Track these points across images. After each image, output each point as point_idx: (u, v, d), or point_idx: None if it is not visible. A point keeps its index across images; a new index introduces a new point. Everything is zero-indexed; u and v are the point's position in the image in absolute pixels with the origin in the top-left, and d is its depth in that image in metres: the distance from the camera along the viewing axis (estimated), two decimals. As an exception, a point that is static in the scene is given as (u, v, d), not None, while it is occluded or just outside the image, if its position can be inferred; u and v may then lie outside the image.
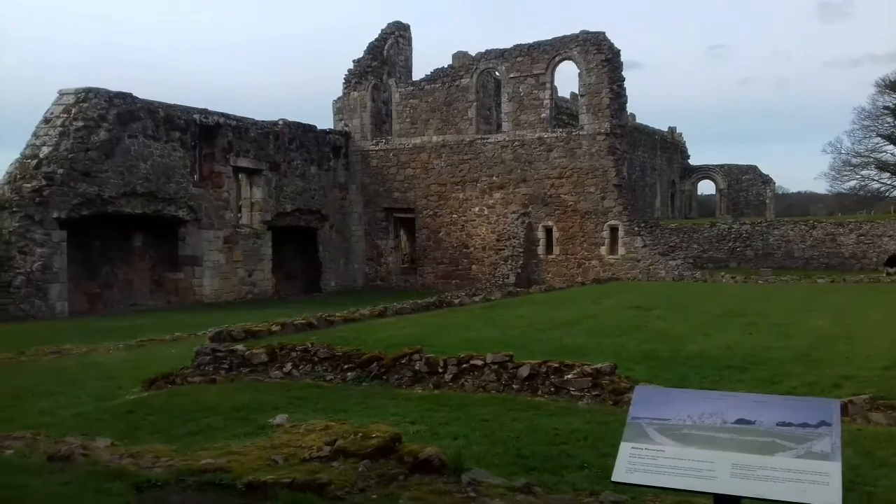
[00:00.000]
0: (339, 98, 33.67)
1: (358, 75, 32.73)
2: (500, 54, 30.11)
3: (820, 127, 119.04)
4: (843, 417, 6.54)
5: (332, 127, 33.56)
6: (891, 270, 29.02)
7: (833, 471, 3.25)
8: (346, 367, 8.77)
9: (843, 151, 59.87)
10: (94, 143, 21.99)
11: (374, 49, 33.00)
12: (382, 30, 33.58)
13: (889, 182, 59.92)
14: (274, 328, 12.57)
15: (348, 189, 32.75)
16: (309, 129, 30.68)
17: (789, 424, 3.53)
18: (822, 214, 48.01)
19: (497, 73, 30.97)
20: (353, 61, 33.02)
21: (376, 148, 32.63)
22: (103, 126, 22.26)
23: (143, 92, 24.15)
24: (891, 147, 58.68)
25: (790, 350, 10.17)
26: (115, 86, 25.62)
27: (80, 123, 21.72)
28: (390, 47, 33.33)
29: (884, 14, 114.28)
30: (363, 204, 32.94)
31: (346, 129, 32.97)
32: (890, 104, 56.94)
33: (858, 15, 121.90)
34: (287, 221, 29.34)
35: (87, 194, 21.75)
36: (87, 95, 22.16)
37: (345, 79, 33.09)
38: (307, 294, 29.62)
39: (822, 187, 68.14)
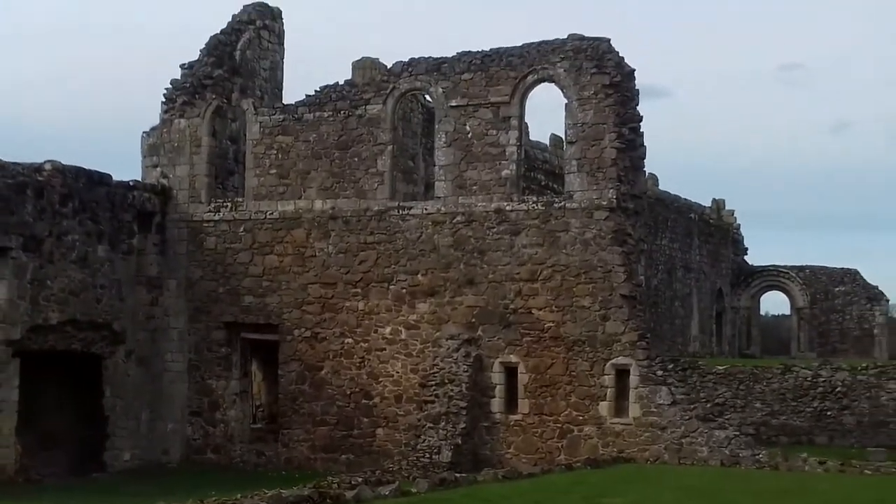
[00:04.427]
0: (153, 129, 33.44)
1: (189, 91, 32.63)
2: (436, 67, 30.16)
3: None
4: None
5: (140, 178, 33.20)
6: None
7: None
8: None
9: None
10: None
11: (219, 48, 33.17)
12: (234, 16, 33.96)
13: None
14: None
15: (163, 288, 32.31)
16: (98, 180, 30.33)
17: None
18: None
19: (429, 97, 31.01)
20: (182, 67, 33.06)
21: (216, 217, 32.23)
22: None
23: None
24: None
25: None
26: None
27: None
28: (247, 46, 33.67)
29: None
30: (188, 315, 32.37)
31: (164, 182, 32.66)
32: None
33: None
34: (50, 342, 28.72)
35: None
36: None
37: (165, 97, 33.00)
38: (79, 475, 28.87)
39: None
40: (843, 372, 35.65)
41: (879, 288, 52.01)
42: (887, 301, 51.92)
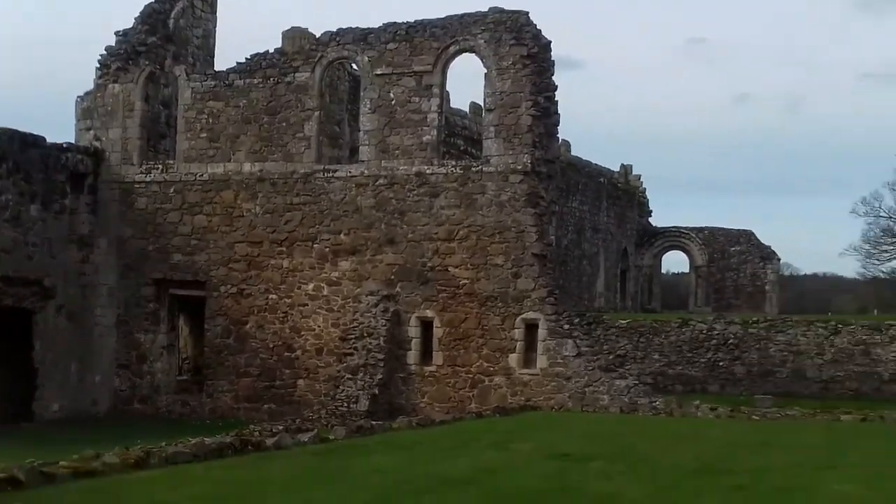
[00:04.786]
0: (87, 93, 33.38)
1: (123, 58, 32.44)
2: (362, 37, 30.50)
3: (853, 173, 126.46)
4: None
5: (74, 141, 33.14)
6: (951, 403, 30.68)
7: None
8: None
9: (883, 213, 63.78)
10: None
11: (154, 16, 33.00)
12: None
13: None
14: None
15: (94, 246, 32.25)
16: (31, 142, 30.20)
17: None
18: (850, 311, 50.30)
19: (355, 66, 31.23)
20: (117, 34, 32.77)
21: (147, 179, 32.34)
22: None
23: None
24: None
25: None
26: None
27: None
28: (181, 15, 33.48)
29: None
30: (118, 272, 32.44)
31: (97, 144, 32.57)
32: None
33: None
34: (-20, 297, 28.70)
35: None
36: None
37: (100, 62, 32.72)
38: (10, 425, 28.60)
39: (850, 269, 72.12)
40: (736, 325, 37.07)
41: (772, 248, 52.83)
42: (779, 260, 52.79)
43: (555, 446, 17.87)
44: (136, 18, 32.94)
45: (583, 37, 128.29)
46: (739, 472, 14.98)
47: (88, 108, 33.39)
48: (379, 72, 30.17)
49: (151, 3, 33.22)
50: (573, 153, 47.35)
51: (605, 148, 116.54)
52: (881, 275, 66.21)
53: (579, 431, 21.21)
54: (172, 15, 33.30)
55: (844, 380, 35.47)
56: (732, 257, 52.51)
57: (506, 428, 22.02)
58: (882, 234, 63.94)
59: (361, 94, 30.85)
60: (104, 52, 32.77)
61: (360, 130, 30.93)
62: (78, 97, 33.86)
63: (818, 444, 19.67)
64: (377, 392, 28.40)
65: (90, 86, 33.28)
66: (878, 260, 64.97)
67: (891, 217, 63.77)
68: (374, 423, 22.97)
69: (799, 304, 57.66)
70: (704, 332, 37.16)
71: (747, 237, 53.47)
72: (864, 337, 35.95)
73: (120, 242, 32.41)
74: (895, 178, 63.07)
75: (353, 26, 30.83)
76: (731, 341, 36.79)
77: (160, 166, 32.46)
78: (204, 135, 31.90)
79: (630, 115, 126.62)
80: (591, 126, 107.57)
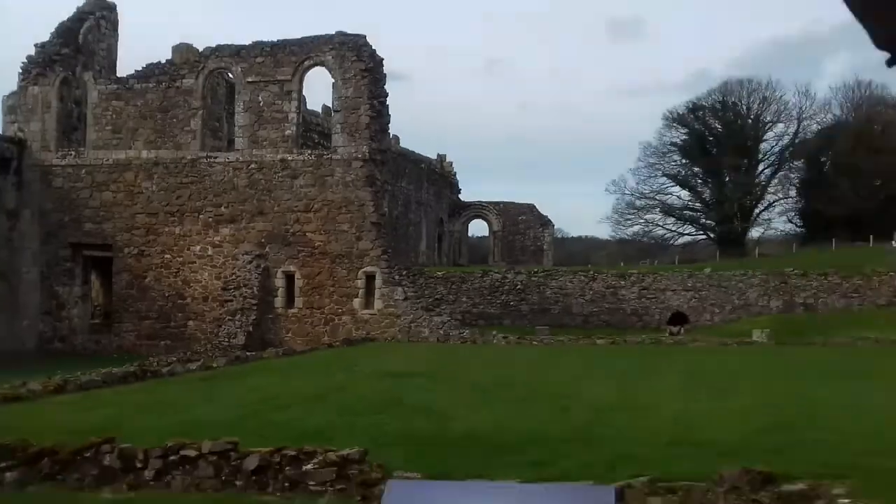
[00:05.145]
0: (12, 94, 32.10)
1: (41, 65, 31.39)
2: (236, 52, 30.16)
3: (607, 162, 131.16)
4: (620, 505, 7.17)
5: (1, 132, 31.89)
6: (674, 330, 32.49)
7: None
8: (3, 465, 8.10)
9: (626, 192, 66.40)
10: None
11: (67, 32, 31.89)
12: (79, 7, 32.63)
13: (674, 228, 67.19)
14: None
15: (19, 217, 31.08)
16: None
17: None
18: (603, 264, 52.40)
19: (231, 75, 30.89)
20: (36, 46, 31.68)
21: (63, 163, 31.31)
22: None
23: None
24: (676, 189, 65.96)
25: (566, 425, 10.95)
26: None
27: None
28: (89, 31, 32.36)
29: (676, 38, 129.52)
30: (40, 238, 31.35)
31: (21, 135, 31.37)
32: (677, 140, 64.17)
33: (652, 36, 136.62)
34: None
35: None
36: None
37: (22, 69, 31.60)
38: None
39: (605, 232, 74.87)
40: (522, 275, 38.16)
41: (549, 217, 53.92)
42: (553, 226, 54.41)
43: (388, 368, 18.18)
44: (52, 33, 31.88)
45: (411, 55, 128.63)
46: (523, 383, 15.61)
47: (13, 105, 32.05)
48: (250, 79, 29.82)
49: (65, 21, 32.05)
50: (402, 145, 47.36)
51: (426, 141, 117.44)
52: (626, 237, 69.01)
53: (406, 356, 21.62)
54: (82, 31, 32.12)
55: (599, 314, 37.03)
56: (520, 224, 53.48)
57: (351, 355, 22.32)
58: (626, 206, 66.66)
59: (236, 97, 30.47)
60: (25, 61, 31.61)
61: (235, 126, 30.54)
62: (4, 96, 32.49)
63: (580, 362, 20.58)
64: (251, 330, 28.22)
65: (14, 87, 32.08)
66: (623, 226, 67.81)
67: (632, 195, 66.44)
68: (248, 353, 22.99)
69: (568, 259, 59.43)
70: (499, 280, 37.89)
71: (531, 209, 54.29)
72: (613, 282, 37.56)
73: (41, 214, 31.35)
74: (635, 167, 66.06)
75: (229, 43, 30.40)
76: (518, 287, 37.67)
77: (73, 153, 31.46)
78: (109, 128, 31.03)
79: (445, 114, 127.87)
80: (416, 124, 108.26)
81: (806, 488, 7.20)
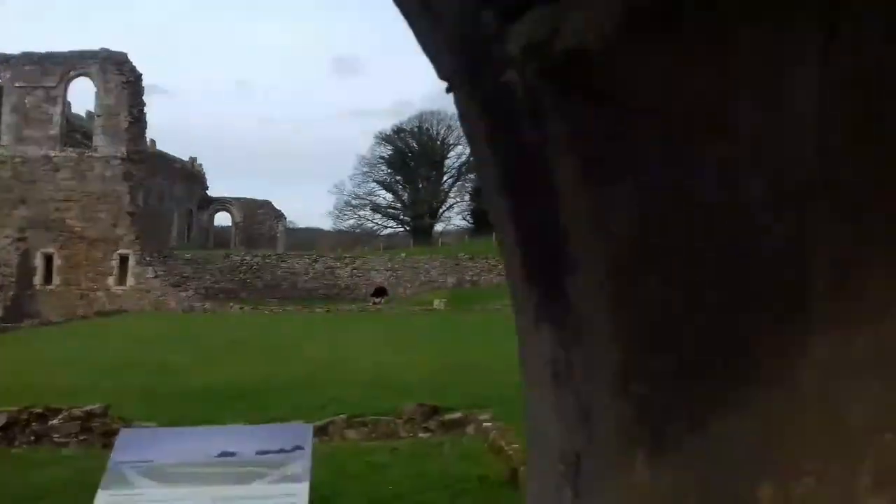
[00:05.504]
0: None
1: None
2: (6, 60, 26.83)
3: (331, 169, 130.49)
4: (324, 437, 7.05)
5: None
6: (376, 300, 33.20)
7: (301, 491, 3.42)
8: None
9: (345, 193, 67.01)
10: None
11: None
12: None
13: (380, 223, 69.17)
14: None
15: None
16: None
17: (268, 452, 3.66)
18: (325, 249, 52.44)
19: (0, 80, 27.22)
20: None
21: None
22: None
23: None
24: (383, 192, 68.21)
25: (288, 377, 10.67)
26: None
27: None
28: None
29: (386, 73, 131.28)
30: None
31: None
32: (385, 154, 66.01)
33: (368, 72, 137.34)
34: None
35: None
36: None
37: None
38: None
39: (327, 224, 74.35)
40: (258, 257, 37.12)
41: (282, 211, 53.70)
42: (286, 219, 54.00)
43: (136, 334, 17.21)
44: None
45: (174, 71, 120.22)
46: (254, 344, 15.13)
47: None
48: (18, 84, 26.75)
49: None
50: (159, 147, 44.73)
51: (180, 144, 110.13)
52: (344, 228, 69.56)
53: (154, 325, 20.45)
54: None
55: (319, 289, 36.79)
56: (258, 216, 52.52)
57: (104, 324, 20.98)
58: (344, 205, 67.19)
59: (4, 99, 27.09)
60: None
61: (2, 125, 27.06)
62: None
63: (301, 326, 20.40)
64: (10, 304, 25.40)
65: None
66: (342, 219, 68.23)
67: (349, 195, 67.04)
68: (7, 325, 21.00)
69: (297, 245, 58.66)
70: (238, 262, 36.64)
71: (267, 204, 53.62)
72: (331, 264, 37.64)
73: None
74: (352, 174, 66.60)
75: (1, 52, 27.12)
76: (255, 267, 36.61)
77: None
78: None
79: (198, 121, 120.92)
80: (172, 129, 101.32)
81: (461, 416, 7.49)
